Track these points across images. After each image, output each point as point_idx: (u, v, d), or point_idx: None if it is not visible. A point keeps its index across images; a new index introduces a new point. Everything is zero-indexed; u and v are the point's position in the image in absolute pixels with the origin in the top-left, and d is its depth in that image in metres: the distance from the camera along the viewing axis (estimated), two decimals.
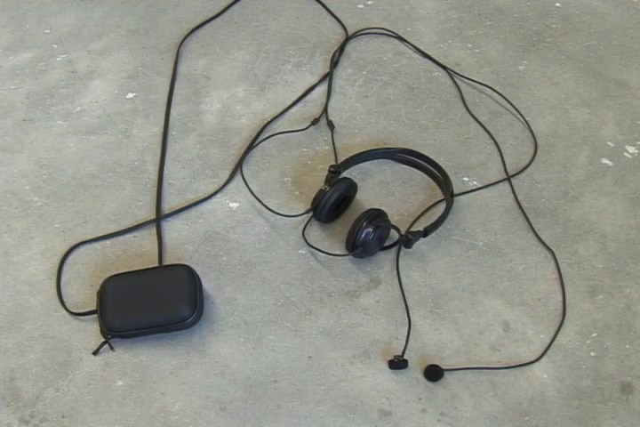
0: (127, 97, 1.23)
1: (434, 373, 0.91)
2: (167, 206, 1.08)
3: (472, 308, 0.98)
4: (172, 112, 1.20)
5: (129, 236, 1.05)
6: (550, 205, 1.09)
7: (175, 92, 1.23)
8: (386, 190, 1.10)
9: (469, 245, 1.04)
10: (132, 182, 1.11)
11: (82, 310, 0.96)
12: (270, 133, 1.17)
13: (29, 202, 1.09)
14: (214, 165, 1.13)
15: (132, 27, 1.34)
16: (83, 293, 0.99)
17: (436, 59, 1.28)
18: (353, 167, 1.12)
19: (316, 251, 1.02)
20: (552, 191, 1.11)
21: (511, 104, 1.22)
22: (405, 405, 0.90)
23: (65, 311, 0.96)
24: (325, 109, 1.20)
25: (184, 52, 1.30)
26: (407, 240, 0.98)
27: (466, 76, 1.26)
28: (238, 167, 1.12)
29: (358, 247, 0.97)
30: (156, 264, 1.00)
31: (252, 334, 0.95)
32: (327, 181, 1.04)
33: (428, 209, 1.08)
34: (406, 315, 0.97)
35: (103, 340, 0.92)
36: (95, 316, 0.94)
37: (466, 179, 1.12)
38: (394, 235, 1.02)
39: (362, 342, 0.95)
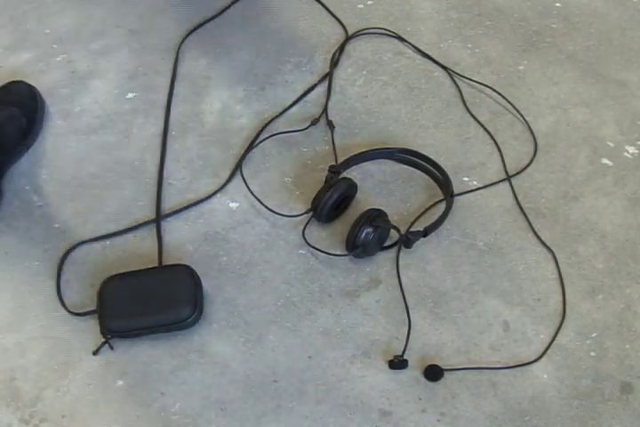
0: (127, 97, 1.23)
1: (434, 373, 0.91)
2: (167, 206, 1.08)
3: (472, 308, 0.98)
4: (172, 112, 1.20)
5: (129, 236, 1.05)
6: (550, 205, 1.09)
7: (175, 92, 1.23)
8: (386, 190, 1.10)
9: (469, 245, 1.04)
10: (132, 182, 1.11)
11: (82, 310, 0.96)
12: (270, 133, 1.17)
13: (29, 202, 1.09)
14: (214, 165, 1.13)
15: (132, 27, 1.34)
16: (83, 293, 0.99)
17: (436, 59, 1.28)
18: (353, 167, 1.12)
19: (316, 251, 1.02)
20: (552, 191, 1.11)
21: (511, 104, 1.22)
22: (405, 405, 0.90)
23: (65, 311, 0.96)
24: (325, 109, 1.20)
25: (184, 52, 1.30)
26: (407, 240, 0.98)
27: (466, 76, 1.26)
28: (238, 167, 1.12)
29: (358, 247, 0.97)
30: (156, 264, 1.00)
31: (251, 334, 0.95)
32: (327, 181, 1.05)
33: (427, 209, 1.08)
34: (406, 315, 0.97)
35: (103, 340, 0.92)
36: (95, 316, 0.94)
37: (466, 179, 1.12)
38: (394, 235, 1.02)
39: (362, 342, 0.95)
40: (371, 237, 0.96)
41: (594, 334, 0.96)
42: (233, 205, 1.09)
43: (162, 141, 1.16)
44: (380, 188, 1.11)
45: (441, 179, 1.09)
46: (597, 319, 0.97)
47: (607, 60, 1.29)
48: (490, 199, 1.10)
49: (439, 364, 0.92)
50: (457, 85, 1.25)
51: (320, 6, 1.38)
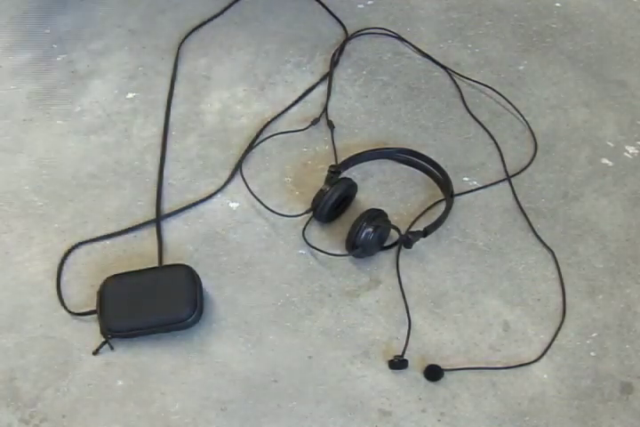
0: (127, 97, 1.23)
1: (434, 373, 0.91)
2: (167, 206, 1.08)
3: (472, 308, 0.98)
4: (172, 112, 1.20)
5: (129, 236, 1.05)
6: (550, 205, 1.09)
7: (175, 92, 1.23)
8: (386, 190, 1.10)
9: (469, 245, 1.04)
10: (132, 182, 1.11)
11: (82, 310, 0.96)
12: (270, 133, 1.17)
13: (29, 202, 1.09)
14: (214, 165, 1.13)
15: (132, 27, 1.34)
16: (83, 293, 0.99)
17: (436, 59, 1.28)
18: (353, 167, 1.12)
19: (316, 251, 1.02)
20: (552, 191, 1.11)
21: (511, 104, 1.22)
22: (405, 405, 0.90)
23: (65, 311, 0.96)
24: (325, 109, 1.20)
25: (184, 52, 1.30)
26: (407, 240, 0.98)
27: (466, 76, 1.26)
28: (238, 167, 1.12)
29: (358, 247, 0.97)
30: (156, 264, 1.00)
31: (252, 334, 0.95)
32: (327, 181, 1.05)
33: (427, 209, 1.08)
34: (406, 315, 0.97)
35: (103, 340, 0.92)
36: (95, 316, 0.94)
37: (466, 179, 1.12)
38: (394, 235, 1.02)
39: (362, 342, 0.95)
40: (371, 237, 0.96)
41: (594, 334, 0.96)
42: (233, 205, 1.09)
43: (162, 141, 1.16)
44: (380, 188, 1.11)
45: (441, 179, 1.09)
46: (597, 319, 0.97)
47: (607, 60, 1.29)
48: (490, 199, 1.10)
49: (439, 364, 0.92)
50: (457, 85, 1.25)
51: (320, 6, 1.38)
